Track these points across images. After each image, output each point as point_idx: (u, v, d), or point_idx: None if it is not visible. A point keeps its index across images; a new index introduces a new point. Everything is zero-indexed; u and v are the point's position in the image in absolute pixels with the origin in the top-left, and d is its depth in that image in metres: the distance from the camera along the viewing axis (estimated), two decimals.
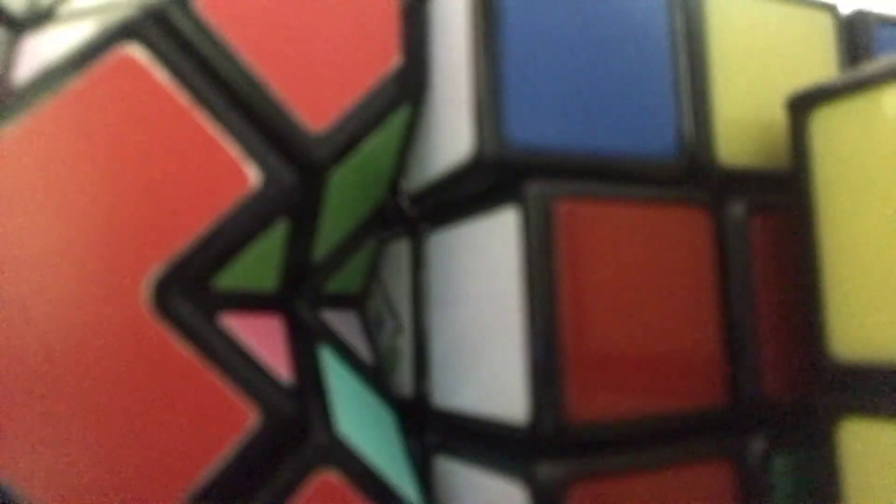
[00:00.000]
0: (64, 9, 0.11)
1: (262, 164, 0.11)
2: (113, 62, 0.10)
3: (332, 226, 0.13)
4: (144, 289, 0.10)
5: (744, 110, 0.12)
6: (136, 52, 0.10)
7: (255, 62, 0.11)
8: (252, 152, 0.11)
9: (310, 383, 0.12)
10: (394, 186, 0.14)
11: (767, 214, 0.12)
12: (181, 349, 0.10)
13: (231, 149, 0.11)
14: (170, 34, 0.11)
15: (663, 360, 0.11)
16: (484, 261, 0.11)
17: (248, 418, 0.10)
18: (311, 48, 0.11)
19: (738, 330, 0.11)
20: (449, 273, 0.13)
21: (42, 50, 0.11)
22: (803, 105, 0.11)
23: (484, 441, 0.12)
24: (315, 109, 0.11)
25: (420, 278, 0.14)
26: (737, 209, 0.12)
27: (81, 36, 0.10)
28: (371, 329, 0.15)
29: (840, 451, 0.10)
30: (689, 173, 0.12)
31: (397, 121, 0.12)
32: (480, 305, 0.12)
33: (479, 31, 0.11)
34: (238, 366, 0.10)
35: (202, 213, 0.10)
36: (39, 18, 0.11)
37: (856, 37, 0.14)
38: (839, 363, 0.10)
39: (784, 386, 0.12)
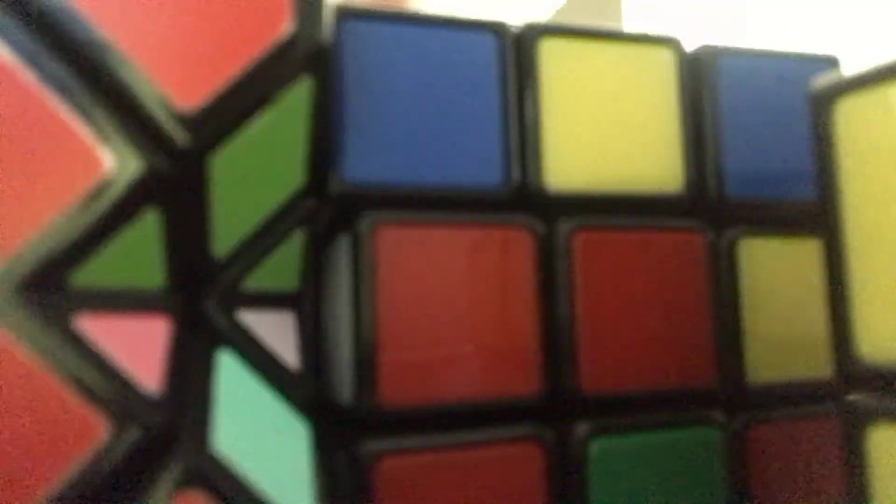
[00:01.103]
0: None
1: (119, 148, 0.10)
2: None
3: (232, 218, 0.12)
4: None
5: (575, 141, 0.14)
6: None
7: (113, 32, 0.10)
8: (106, 136, 0.10)
9: (188, 393, 0.11)
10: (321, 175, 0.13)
11: (590, 232, 0.14)
12: (22, 354, 0.09)
13: (83, 132, 0.10)
14: (14, 3, 0.10)
15: (476, 358, 0.13)
16: (340, 272, 0.13)
17: (97, 431, 0.09)
18: (181, 16, 0.10)
19: (557, 333, 0.13)
20: (333, 278, 0.14)
21: None
22: (826, 96, 0.11)
23: (342, 422, 0.13)
24: (186, 86, 0.10)
25: (320, 279, 0.14)
26: (561, 229, 0.14)
27: None
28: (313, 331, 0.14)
29: (867, 456, 0.10)
30: (517, 200, 0.13)
31: (296, 96, 0.11)
32: (339, 310, 0.13)
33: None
34: (86, 373, 0.09)
35: (47, 203, 0.09)
36: None
37: (699, 69, 0.15)
38: (866, 365, 0.10)
39: (604, 381, 0.13)
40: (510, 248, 0.13)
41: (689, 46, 0.15)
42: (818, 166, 0.11)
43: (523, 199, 0.14)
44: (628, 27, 0.16)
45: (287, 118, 0.11)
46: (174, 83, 0.10)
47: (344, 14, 0.13)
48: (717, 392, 0.14)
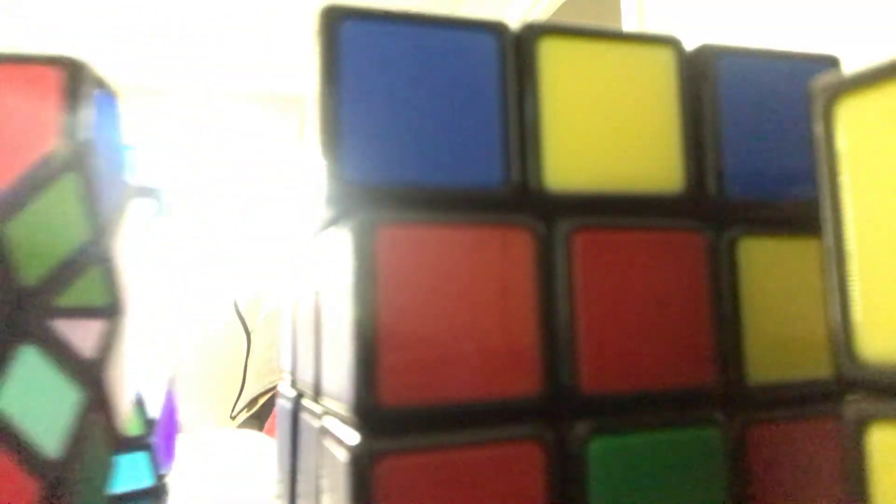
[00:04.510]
0: None
1: None
2: None
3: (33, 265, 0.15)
4: None
5: (575, 141, 0.14)
6: None
7: None
8: None
9: None
10: None
11: (589, 232, 0.14)
12: None
13: None
14: None
15: (476, 358, 0.13)
16: (336, 269, 0.13)
17: None
18: None
19: (556, 333, 0.13)
20: (328, 273, 0.14)
21: None
22: (826, 96, 0.11)
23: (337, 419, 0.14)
24: None
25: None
26: (561, 229, 0.13)
27: None
28: None
29: (867, 456, 0.10)
30: (517, 200, 0.13)
31: (64, 186, 0.15)
32: (333, 308, 0.13)
33: (322, 85, 0.13)
34: None
35: None
36: None
37: (699, 69, 0.15)
38: (866, 365, 0.10)
39: (604, 381, 0.13)
40: (510, 248, 0.13)
41: (689, 46, 0.15)
42: (818, 166, 0.11)
43: (523, 199, 0.14)
44: (628, 27, 0.16)
45: (58, 199, 0.15)
46: None
47: (344, 14, 0.13)
48: (717, 392, 0.14)
